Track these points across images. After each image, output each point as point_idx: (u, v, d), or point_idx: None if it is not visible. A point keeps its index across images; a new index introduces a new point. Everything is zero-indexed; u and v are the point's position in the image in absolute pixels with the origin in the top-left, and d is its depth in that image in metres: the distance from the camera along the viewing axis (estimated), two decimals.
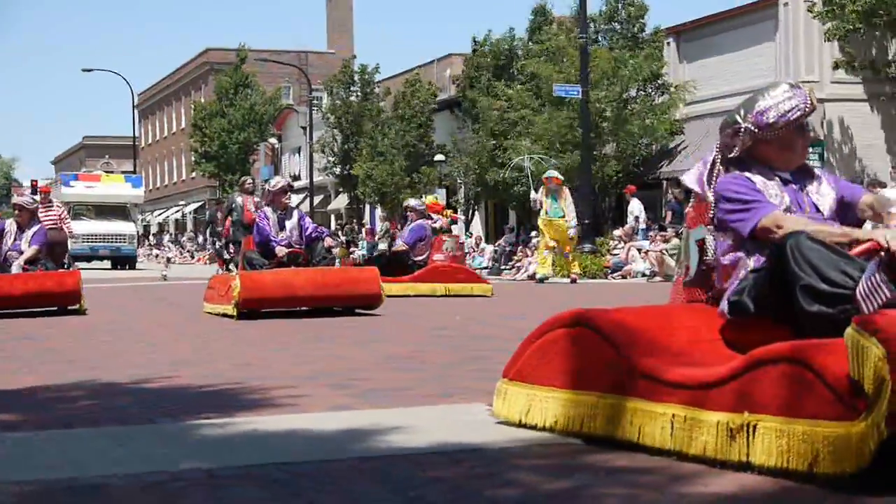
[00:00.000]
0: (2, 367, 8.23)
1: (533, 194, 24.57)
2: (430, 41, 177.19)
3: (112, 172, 54.41)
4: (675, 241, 24.76)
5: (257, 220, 14.29)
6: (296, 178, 64.88)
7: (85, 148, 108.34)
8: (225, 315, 12.78)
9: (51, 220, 24.04)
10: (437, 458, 4.16)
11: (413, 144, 45.23)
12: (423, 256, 18.97)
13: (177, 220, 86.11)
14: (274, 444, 4.55)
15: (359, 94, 51.46)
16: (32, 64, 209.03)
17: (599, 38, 35.57)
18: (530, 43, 39.70)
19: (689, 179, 5.00)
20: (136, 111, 72.47)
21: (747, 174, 4.74)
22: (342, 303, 13.31)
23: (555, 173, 24.45)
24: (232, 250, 22.68)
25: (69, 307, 14.04)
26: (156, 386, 6.65)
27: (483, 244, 37.63)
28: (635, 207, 30.16)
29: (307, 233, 14.12)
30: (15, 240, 14.66)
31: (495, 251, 34.92)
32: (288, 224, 14.04)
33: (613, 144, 34.92)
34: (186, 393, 6.36)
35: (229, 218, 22.54)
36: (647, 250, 25.42)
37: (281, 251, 13.75)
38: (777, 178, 4.74)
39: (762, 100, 4.69)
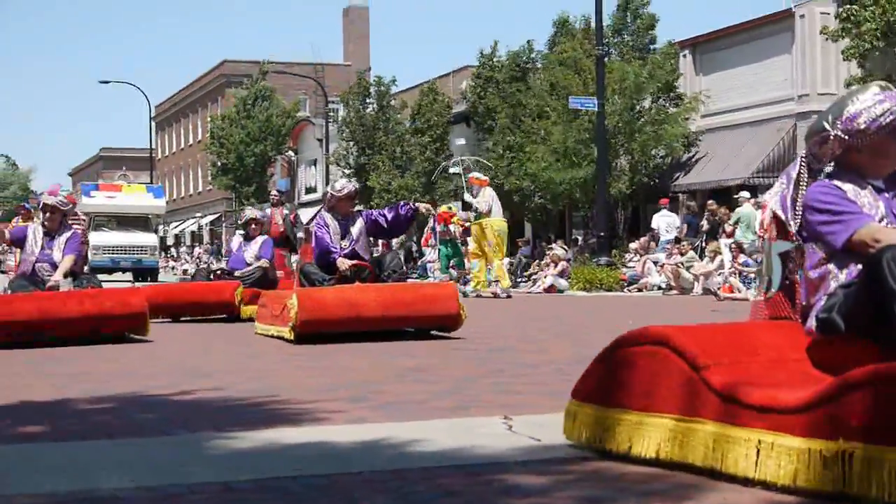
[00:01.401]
0: (17, 379, 8.26)
1: (466, 196, 22.69)
2: (447, 53, 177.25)
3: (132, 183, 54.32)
4: (691, 253, 24.72)
5: (315, 228, 12.44)
6: (311, 189, 64.94)
7: (102, 159, 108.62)
8: (280, 338, 11.25)
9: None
10: (453, 471, 4.15)
11: (430, 157, 45.21)
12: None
13: (193, 231, 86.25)
14: (289, 456, 4.54)
15: (374, 106, 51.49)
16: (49, 75, 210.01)
17: (611, 51, 35.53)
18: (550, 53, 39.61)
19: (773, 202, 4.68)
20: (152, 123, 72.67)
21: (837, 182, 4.46)
22: (416, 324, 11.45)
23: (475, 174, 23.14)
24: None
25: (132, 333, 11.70)
26: (172, 398, 6.65)
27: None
28: (655, 220, 29.94)
29: (391, 218, 12.26)
30: (43, 248, 12.11)
31: (511, 264, 34.88)
32: (353, 230, 12.18)
33: (627, 157, 34.89)
34: (203, 405, 6.35)
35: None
36: (663, 263, 25.38)
37: (343, 264, 11.88)
38: (870, 187, 4.46)
39: (851, 104, 4.41)
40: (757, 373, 4.03)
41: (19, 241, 12.49)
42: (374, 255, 13.12)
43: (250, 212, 16.79)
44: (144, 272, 42.03)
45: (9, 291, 11.95)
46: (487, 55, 42.78)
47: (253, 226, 16.17)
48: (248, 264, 15.73)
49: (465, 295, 21.82)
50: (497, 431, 5.01)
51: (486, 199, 21.62)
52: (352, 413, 5.80)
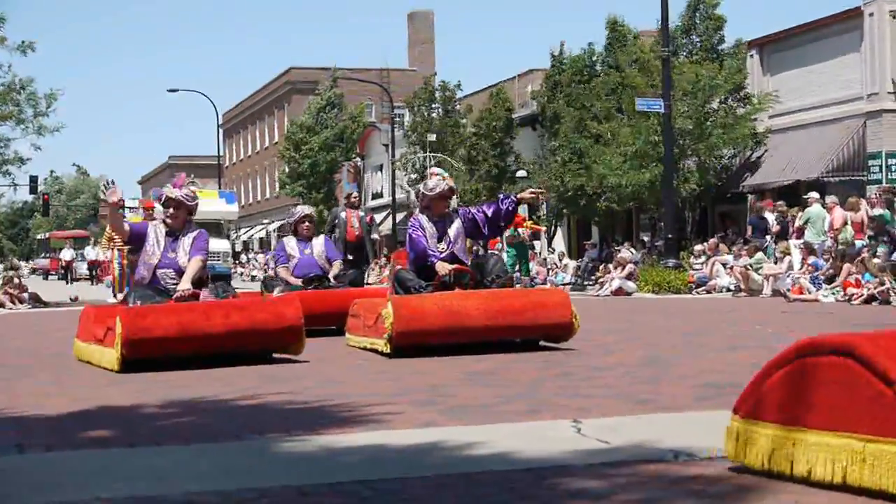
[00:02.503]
0: (89, 381, 8.37)
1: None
2: (511, 57, 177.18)
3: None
4: (760, 255, 24.52)
5: (410, 230, 11.24)
6: (378, 195, 65.19)
7: (170, 167, 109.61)
8: (374, 350, 10.20)
9: None
10: (523, 474, 4.16)
11: (495, 163, 45.23)
12: None
13: (261, 238, 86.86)
14: (361, 460, 4.58)
15: (440, 111, 51.61)
16: (118, 84, 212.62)
17: (679, 52, 35.33)
18: (608, 59, 39.46)
19: None
20: (220, 130, 73.24)
21: None
22: (523, 334, 10.38)
23: (436, 170, 21.96)
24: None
25: (284, 351, 9.93)
26: (244, 403, 6.71)
27: (566, 260, 37.53)
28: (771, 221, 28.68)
29: (491, 214, 11.12)
30: (166, 250, 10.17)
31: (578, 267, 34.83)
32: (450, 232, 11.02)
33: (695, 158, 34.67)
34: (274, 409, 6.41)
35: (333, 234, 19.91)
36: (732, 265, 25.19)
37: (443, 268, 10.66)
38: None
39: None
40: None
41: (138, 239, 10.34)
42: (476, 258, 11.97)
43: (303, 209, 14.85)
44: (217, 279, 41.91)
45: (138, 303, 9.81)
46: (558, 56, 42.57)
47: (307, 223, 14.22)
48: (321, 267, 13.97)
49: None
50: (566, 435, 5.02)
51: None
52: (422, 417, 5.83)
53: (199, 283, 10.03)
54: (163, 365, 9.10)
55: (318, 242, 14.42)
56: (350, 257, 19.73)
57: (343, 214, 20.00)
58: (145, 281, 10.10)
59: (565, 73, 41.27)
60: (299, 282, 13.64)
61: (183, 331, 9.22)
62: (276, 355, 9.97)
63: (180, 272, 10.07)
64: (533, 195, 11.45)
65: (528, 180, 42.69)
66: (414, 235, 11.04)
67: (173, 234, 10.24)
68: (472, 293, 10.36)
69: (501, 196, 11.47)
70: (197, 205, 10.61)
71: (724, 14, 36.26)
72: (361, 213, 20.32)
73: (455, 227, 11.07)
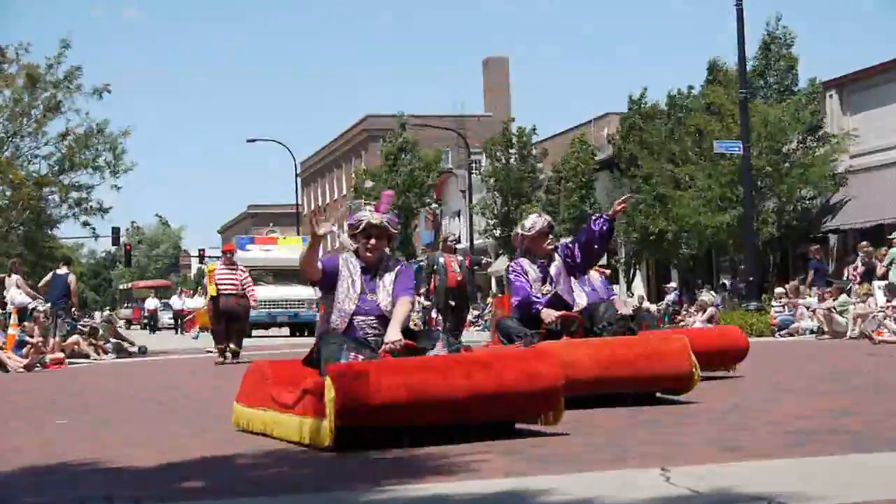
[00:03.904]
0: (174, 431, 8.40)
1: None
2: (587, 100, 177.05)
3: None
4: (844, 297, 24.16)
5: (512, 276, 10.25)
6: (456, 241, 65.31)
7: (250, 216, 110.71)
8: None
9: (232, 284, 20.90)
10: None
11: (575, 203, 45.10)
12: None
13: None
14: None
15: (517, 156, 51.66)
16: (198, 135, 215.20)
17: (754, 93, 35.01)
18: (696, 99, 39.14)
19: None
20: (298, 179, 73.79)
21: None
22: (639, 386, 9.38)
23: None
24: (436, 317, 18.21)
25: (533, 420, 7.42)
26: (330, 453, 6.69)
27: (645, 303, 37.30)
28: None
29: (584, 240, 10.28)
30: (363, 292, 8.00)
31: (658, 311, 34.60)
32: (551, 271, 10.18)
33: (774, 199, 34.32)
34: (359, 459, 6.39)
35: (434, 277, 19.20)
36: (815, 308, 24.86)
37: (549, 315, 9.79)
38: None
39: None
40: None
41: (330, 279, 8.11)
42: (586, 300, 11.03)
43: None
44: (301, 326, 40.94)
45: (352, 356, 7.52)
46: (636, 100, 42.32)
47: None
48: None
49: None
50: (655, 483, 4.95)
51: None
52: (507, 465, 5.78)
53: (405, 331, 7.86)
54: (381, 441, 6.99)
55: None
56: (453, 303, 19.35)
57: (442, 260, 19.33)
58: (339, 331, 7.93)
59: (650, 119, 40.91)
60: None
61: (415, 395, 6.93)
62: None
63: (383, 319, 7.94)
64: (622, 206, 10.52)
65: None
66: (517, 283, 10.18)
67: (370, 271, 8.11)
68: (581, 342, 9.52)
69: (593, 217, 10.59)
70: (398, 230, 8.71)
71: (798, 54, 35.91)
72: (460, 257, 19.80)
73: (556, 266, 10.28)
